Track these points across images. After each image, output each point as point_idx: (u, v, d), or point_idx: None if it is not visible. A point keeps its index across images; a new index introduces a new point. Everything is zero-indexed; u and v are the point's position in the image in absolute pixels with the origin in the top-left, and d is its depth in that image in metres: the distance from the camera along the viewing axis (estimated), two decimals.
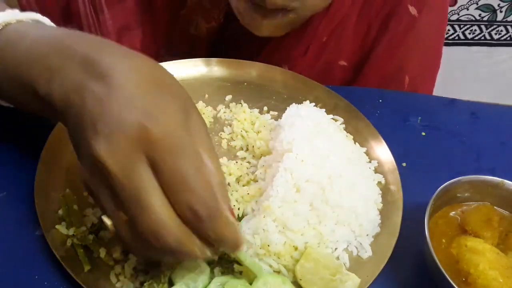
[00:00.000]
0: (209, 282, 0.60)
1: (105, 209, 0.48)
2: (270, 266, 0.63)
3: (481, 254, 0.60)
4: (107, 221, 0.49)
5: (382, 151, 0.78)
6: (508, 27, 2.12)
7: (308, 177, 0.65)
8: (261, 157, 0.76)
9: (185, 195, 0.44)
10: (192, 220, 0.45)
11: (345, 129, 0.82)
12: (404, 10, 0.93)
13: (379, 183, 0.75)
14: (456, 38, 2.17)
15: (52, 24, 0.66)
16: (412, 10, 0.93)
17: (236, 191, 0.70)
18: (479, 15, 2.08)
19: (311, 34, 0.95)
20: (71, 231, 0.63)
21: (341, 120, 0.83)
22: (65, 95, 0.49)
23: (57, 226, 0.64)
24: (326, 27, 0.94)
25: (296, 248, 0.64)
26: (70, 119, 0.49)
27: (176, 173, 0.44)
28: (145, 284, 0.59)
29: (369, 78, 0.99)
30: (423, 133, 0.85)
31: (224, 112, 0.84)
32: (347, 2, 0.92)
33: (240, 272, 0.62)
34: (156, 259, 0.56)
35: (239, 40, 0.98)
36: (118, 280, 0.61)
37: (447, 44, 2.15)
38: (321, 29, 0.94)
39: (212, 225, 0.46)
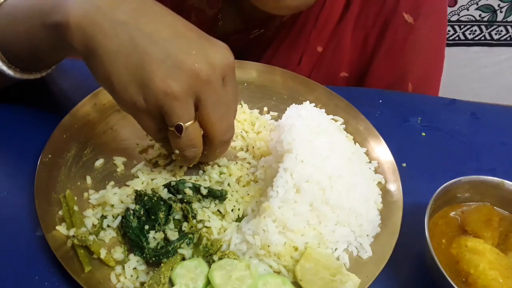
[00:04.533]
0: (208, 283, 0.60)
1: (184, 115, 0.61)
2: (270, 266, 0.63)
3: (481, 255, 0.60)
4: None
5: (382, 151, 0.78)
6: (508, 27, 2.12)
7: (308, 178, 0.65)
8: (261, 157, 0.76)
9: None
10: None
11: (345, 129, 0.82)
12: (399, 19, 0.93)
13: (379, 183, 0.75)
14: (457, 38, 2.17)
15: None
16: (408, 18, 0.93)
17: (237, 191, 0.70)
18: (479, 15, 2.08)
19: (303, 43, 0.96)
20: (71, 232, 0.63)
21: (341, 120, 0.83)
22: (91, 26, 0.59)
23: (57, 227, 0.64)
24: (317, 36, 0.95)
25: (296, 249, 0.64)
26: (112, 49, 0.59)
27: (232, 96, 0.66)
28: (145, 284, 0.60)
29: (374, 87, 0.99)
30: (423, 133, 0.85)
31: None
32: (336, 12, 0.93)
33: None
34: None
35: (239, 49, 0.99)
36: (119, 281, 0.61)
37: (447, 45, 2.14)
38: (312, 38, 0.96)
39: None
